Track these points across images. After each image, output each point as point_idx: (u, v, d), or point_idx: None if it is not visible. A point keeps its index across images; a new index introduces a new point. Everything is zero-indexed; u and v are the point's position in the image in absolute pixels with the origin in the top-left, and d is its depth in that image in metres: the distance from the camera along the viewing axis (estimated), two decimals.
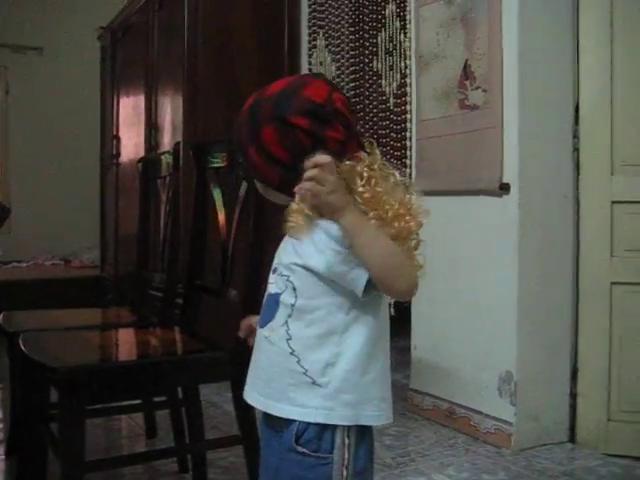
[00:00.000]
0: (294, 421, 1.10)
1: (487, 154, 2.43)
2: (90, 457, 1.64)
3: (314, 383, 1.09)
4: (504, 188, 2.37)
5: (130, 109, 4.33)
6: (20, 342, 1.76)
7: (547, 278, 2.41)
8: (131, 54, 4.33)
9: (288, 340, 1.11)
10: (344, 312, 1.10)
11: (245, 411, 1.68)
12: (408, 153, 2.86)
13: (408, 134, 2.85)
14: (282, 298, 1.13)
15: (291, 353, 1.10)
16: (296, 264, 1.11)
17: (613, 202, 2.35)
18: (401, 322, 2.94)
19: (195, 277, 2.06)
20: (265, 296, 1.18)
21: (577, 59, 2.43)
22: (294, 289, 1.12)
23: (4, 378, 2.62)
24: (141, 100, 4.05)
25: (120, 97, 4.53)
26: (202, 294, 2.04)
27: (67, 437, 1.52)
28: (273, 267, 1.17)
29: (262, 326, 1.16)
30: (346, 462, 1.09)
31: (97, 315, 2.55)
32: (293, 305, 1.12)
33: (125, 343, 2.07)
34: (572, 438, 2.42)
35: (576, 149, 2.43)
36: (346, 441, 1.10)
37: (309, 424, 1.09)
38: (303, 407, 1.09)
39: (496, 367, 2.41)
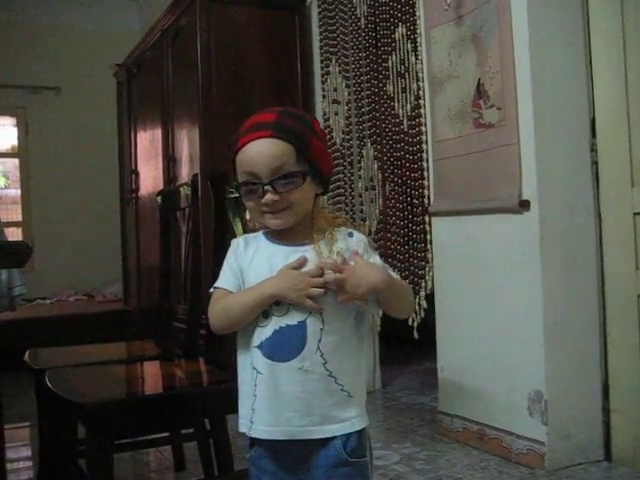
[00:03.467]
0: (334, 439, 1.17)
1: (505, 171, 2.42)
2: None
3: (349, 396, 1.19)
4: (524, 205, 2.35)
5: (147, 143, 4.38)
6: (46, 379, 1.76)
7: (572, 294, 2.38)
8: (147, 89, 4.39)
9: (325, 364, 1.17)
10: (357, 326, 1.23)
11: None
12: (425, 174, 2.85)
13: (424, 155, 2.85)
14: (309, 325, 1.17)
15: (329, 375, 1.17)
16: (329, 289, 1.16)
17: (635, 214, 2.32)
18: (426, 344, 2.92)
19: None
20: (275, 330, 1.18)
21: (590, 71, 2.42)
22: (320, 314, 1.17)
23: (31, 416, 2.62)
24: (158, 134, 4.10)
25: (137, 132, 4.59)
26: None
27: (96, 473, 1.51)
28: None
29: (285, 360, 1.16)
30: (371, 459, 1.25)
31: (122, 349, 2.55)
32: (322, 329, 1.17)
33: (151, 376, 2.07)
34: (608, 456, 2.37)
35: (594, 162, 2.41)
36: (369, 443, 1.24)
37: (350, 435, 1.19)
38: (345, 421, 1.18)
39: (525, 386, 2.38)
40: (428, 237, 2.85)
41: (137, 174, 4.52)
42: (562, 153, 2.39)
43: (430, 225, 2.83)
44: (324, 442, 1.18)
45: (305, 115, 1.28)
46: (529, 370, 2.37)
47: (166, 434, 2.34)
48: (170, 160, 3.87)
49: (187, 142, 3.67)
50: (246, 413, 1.22)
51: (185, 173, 3.65)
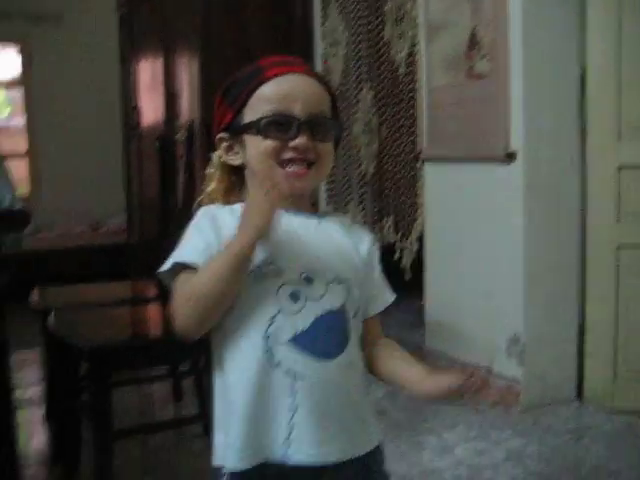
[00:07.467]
0: (377, 448, 0.98)
1: (493, 122, 2.47)
2: (123, 421, 1.83)
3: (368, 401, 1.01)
4: (510, 156, 2.42)
5: (149, 77, 4.39)
6: (51, 322, 1.88)
7: (554, 243, 2.47)
8: (149, 22, 4.36)
9: (363, 355, 0.99)
10: None
11: None
12: (419, 121, 2.90)
13: (419, 102, 2.89)
14: (348, 309, 0.94)
15: (365, 372, 0.99)
16: (358, 266, 0.98)
17: (619, 168, 2.39)
18: (415, 286, 3.03)
19: None
20: (315, 317, 0.90)
21: (584, 25, 2.43)
22: (354, 297, 0.96)
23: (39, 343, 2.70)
24: (159, 68, 4.10)
25: (139, 65, 4.58)
26: None
27: (96, 409, 1.64)
28: (304, 276, 0.92)
29: (334, 356, 0.91)
30: None
31: (125, 289, 2.64)
32: (357, 313, 0.97)
33: (149, 319, 2.18)
34: (579, 395, 2.51)
35: (582, 115, 2.46)
36: None
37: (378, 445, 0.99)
38: (376, 427, 1.00)
39: (505, 329, 2.50)
40: (420, 182, 2.93)
41: (139, 109, 4.54)
42: (550, 106, 2.43)
43: (422, 170, 2.90)
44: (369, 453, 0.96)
45: None
46: (509, 314, 2.49)
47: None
48: (170, 95, 3.90)
49: (187, 79, 3.69)
50: (274, 437, 0.89)
51: (185, 109, 3.69)
